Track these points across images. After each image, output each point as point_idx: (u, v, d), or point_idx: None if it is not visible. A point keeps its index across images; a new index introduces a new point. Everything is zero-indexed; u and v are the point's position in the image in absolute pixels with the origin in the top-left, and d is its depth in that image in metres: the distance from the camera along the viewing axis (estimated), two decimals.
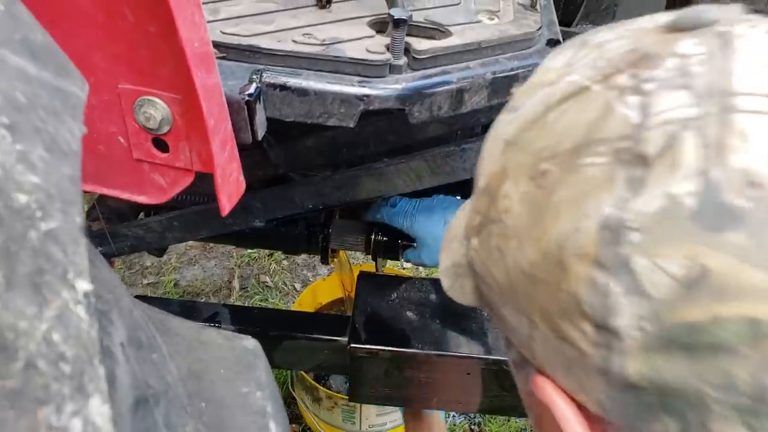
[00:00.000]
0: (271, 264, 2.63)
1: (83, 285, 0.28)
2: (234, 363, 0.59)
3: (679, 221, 0.28)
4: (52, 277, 0.27)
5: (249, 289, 2.53)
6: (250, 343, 0.61)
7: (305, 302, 2.09)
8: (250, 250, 2.65)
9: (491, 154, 0.39)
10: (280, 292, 2.53)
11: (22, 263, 0.26)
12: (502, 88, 0.79)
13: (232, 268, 2.61)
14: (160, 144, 0.72)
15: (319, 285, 2.17)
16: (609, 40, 0.34)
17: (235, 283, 2.54)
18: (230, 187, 0.73)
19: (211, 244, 2.66)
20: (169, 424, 0.41)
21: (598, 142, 0.31)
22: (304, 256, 2.64)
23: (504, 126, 0.38)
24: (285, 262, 2.66)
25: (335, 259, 1.80)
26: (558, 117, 0.33)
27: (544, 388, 0.36)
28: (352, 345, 1.11)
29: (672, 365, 0.29)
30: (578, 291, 0.31)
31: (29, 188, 0.28)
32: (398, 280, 1.27)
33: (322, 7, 0.83)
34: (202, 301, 2.40)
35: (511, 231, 0.35)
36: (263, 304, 2.47)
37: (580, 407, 0.35)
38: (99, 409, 0.26)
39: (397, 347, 1.11)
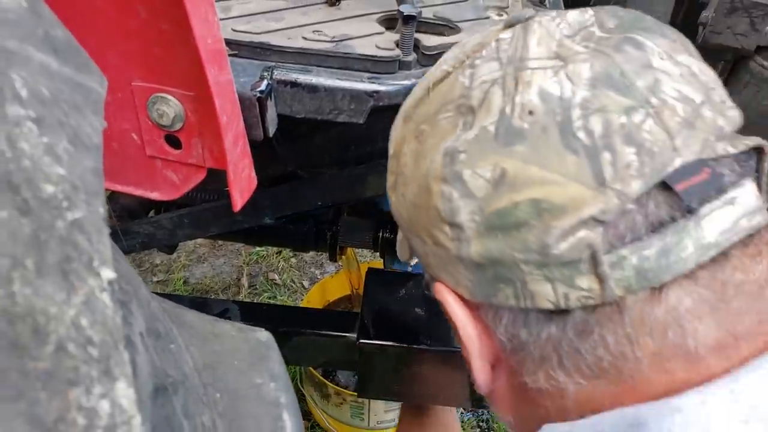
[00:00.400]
0: (279, 261, 2.64)
1: (107, 273, 0.29)
2: (248, 354, 0.60)
3: (486, 142, 0.40)
4: (79, 265, 0.28)
5: (257, 286, 2.54)
6: (264, 335, 0.62)
7: (313, 299, 2.10)
8: (258, 248, 2.67)
9: (395, 128, 0.52)
10: (288, 289, 2.55)
11: (51, 251, 0.27)
12: None
13: (241, 266, 2.62)
14: (173, 141, 0.73)
15: (327, 282, 2.18)
16: (471, 39, 0.48)
17: (244, 281, 2.55)
18: (242, 184, 0.74)
19: (220, 242, 2.67)
20: (186, 413, 0.42)
21: (448, 102, 0.44)
22: (312, 253, 2.65)
23: (404, 105, 0.52)
24: (293, 260, 2.67)
25: (343, 257, 1.81)
26: (432, 94, 0.47)
27: (439, 290, 0.48)
28: (362, 341, 1.11)
29: (494, 243, 0.40)
30: (437, 203, 0.43)
31: (56, 179, 0.29)
32: (407, 277, 1.27)
33: (332, 4, 0.83)
34: (212, 298, 2.41)
35: (407, 178, 0.48)
36: (272, 301, 2.48)
37: (463, 300, 0.47)
38: (125, 392, 0.27)
39: (406, 343, 1.11)
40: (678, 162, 0.37)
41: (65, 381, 0.24)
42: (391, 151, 0.52)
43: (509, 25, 0.45)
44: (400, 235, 0.61)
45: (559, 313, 0.41)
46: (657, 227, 0.37)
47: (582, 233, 0.37)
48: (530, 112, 0.39)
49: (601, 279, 0.38)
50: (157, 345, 0.44)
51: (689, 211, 0.37)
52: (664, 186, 0.37)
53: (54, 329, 0.25)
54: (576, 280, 0.39)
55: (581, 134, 0.37)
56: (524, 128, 0.39)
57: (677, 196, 0.37)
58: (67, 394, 0.24)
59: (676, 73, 0.39)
